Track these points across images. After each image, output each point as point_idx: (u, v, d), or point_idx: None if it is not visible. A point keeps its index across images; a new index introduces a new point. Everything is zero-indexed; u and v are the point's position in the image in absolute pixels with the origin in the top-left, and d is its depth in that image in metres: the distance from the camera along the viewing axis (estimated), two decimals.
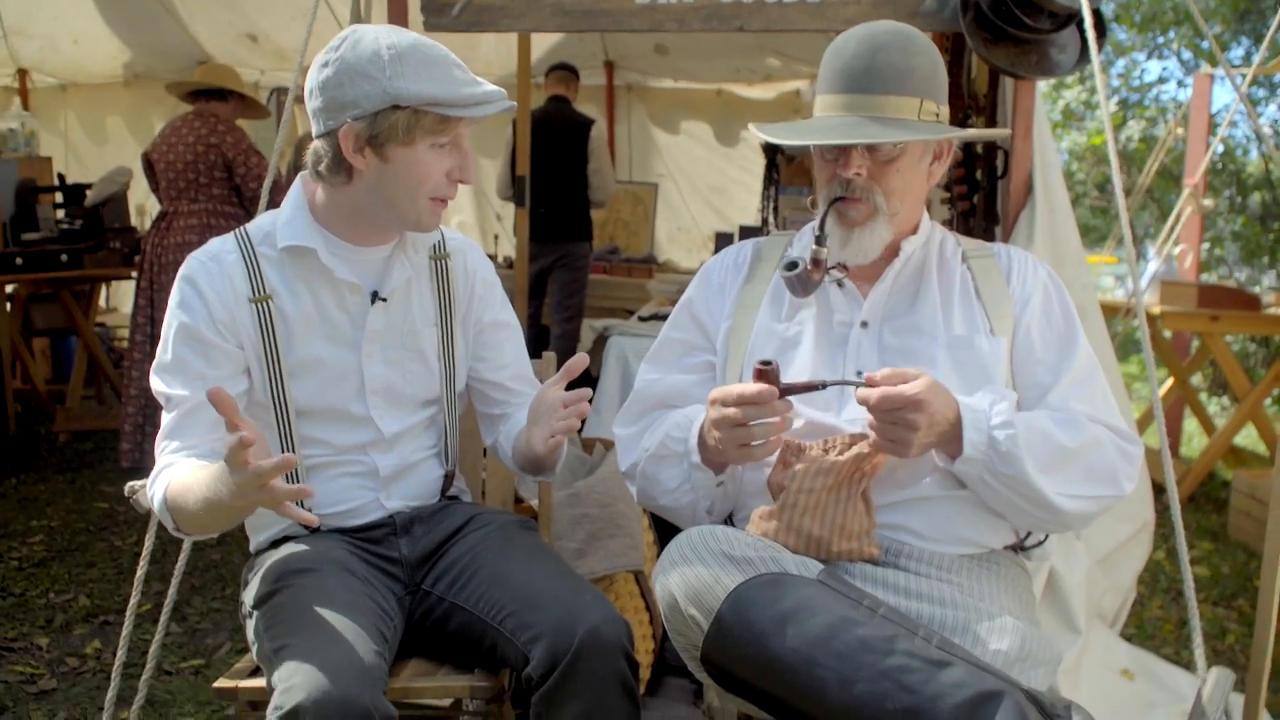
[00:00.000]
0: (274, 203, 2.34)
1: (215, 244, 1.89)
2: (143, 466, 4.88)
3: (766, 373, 1.67)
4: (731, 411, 1.68)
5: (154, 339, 4.92)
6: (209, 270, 1.83)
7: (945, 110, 1.86)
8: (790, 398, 1.70)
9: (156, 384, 1.82)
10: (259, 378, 1.85)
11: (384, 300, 1.89)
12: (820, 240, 1.81)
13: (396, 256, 1.91)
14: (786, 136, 1.92)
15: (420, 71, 1.72)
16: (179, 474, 1.72)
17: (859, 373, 1.82)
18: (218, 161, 4.82)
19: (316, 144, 1.81)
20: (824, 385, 1.73)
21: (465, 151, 1.82)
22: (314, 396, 1.87)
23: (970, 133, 1.89)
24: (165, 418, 1.82)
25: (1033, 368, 1.86)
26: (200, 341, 1.80)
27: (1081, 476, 1.75)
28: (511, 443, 2.03)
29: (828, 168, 1.87)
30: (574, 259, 5.91)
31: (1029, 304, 1.88)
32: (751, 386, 1.68)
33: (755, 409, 1.67)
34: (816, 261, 1.80)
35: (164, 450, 1.79)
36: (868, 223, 1.83)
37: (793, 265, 1.80)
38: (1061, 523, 1.80)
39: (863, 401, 1.67)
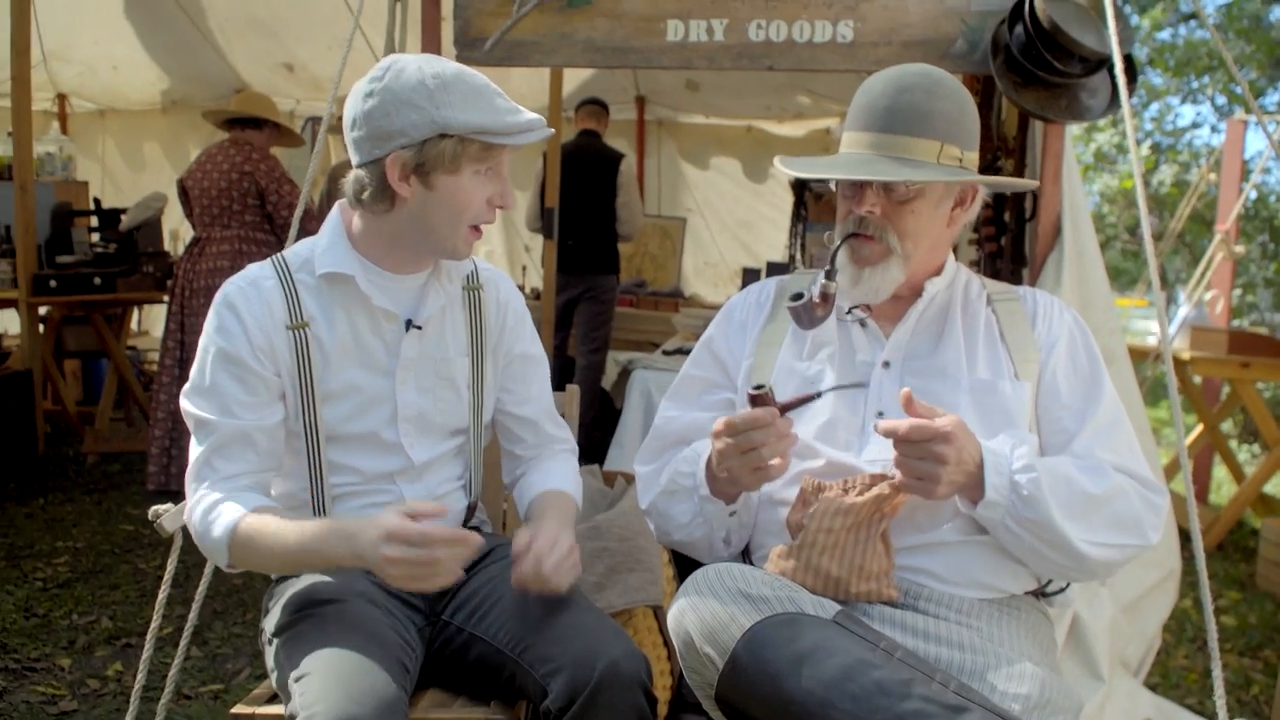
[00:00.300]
0: (305, 230, 2.38)
1: (253, 270, 1.89)
2: (169, 489, 4.93)
3: (761, 397, 1.68)
4: (738, 439, 1.68)
5: (183, 363, 4.98)
6: (248, 296, 1.83)
7: (971, 156, 1.85)
8: (791, 414, 1.71)
9: (189, 407, 1.82)
10: (292, 403, 1.85)
11: (419, 328, 1.90)
12: (830, 275, 1.82)
13: (431, 285, 1.93)
14: (803, 169, 1.94)
15: (465, 100, 1.73)
16: (256, 518, 1.73)
17: (880, 413, 1.82)
18: (251, 189, 4.90)
19: (359, 173, 1.81)
20: (819, 395, 1.74)
21: (504, 178, 1.84)
22: (346, 422, 1.87)
23: (985, 179, 1.87)
24: (198, 443, 1.82)
25: (1058, 413, 1.84)
26: (239, 367, 1.80)
27: (1106, 524, 1.73)
28: (525, 508, 2.04)
29: (845, 204, 1.88)
30: (601, 291, 5.94)
31: (1055, 349, 1.88)
32: (753, 412, 1.68)
33: (760, 433, 1.67)
34: (825, 296, 1.81)
35: (207, 480, 1.79)
36: (880, 262, 1.84)
37: (798, 296, 1.81)
38: (1086, 570, 1.77)
39: (889, 433, 1.66)
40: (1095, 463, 1.78)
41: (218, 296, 1.85)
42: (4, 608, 3.66)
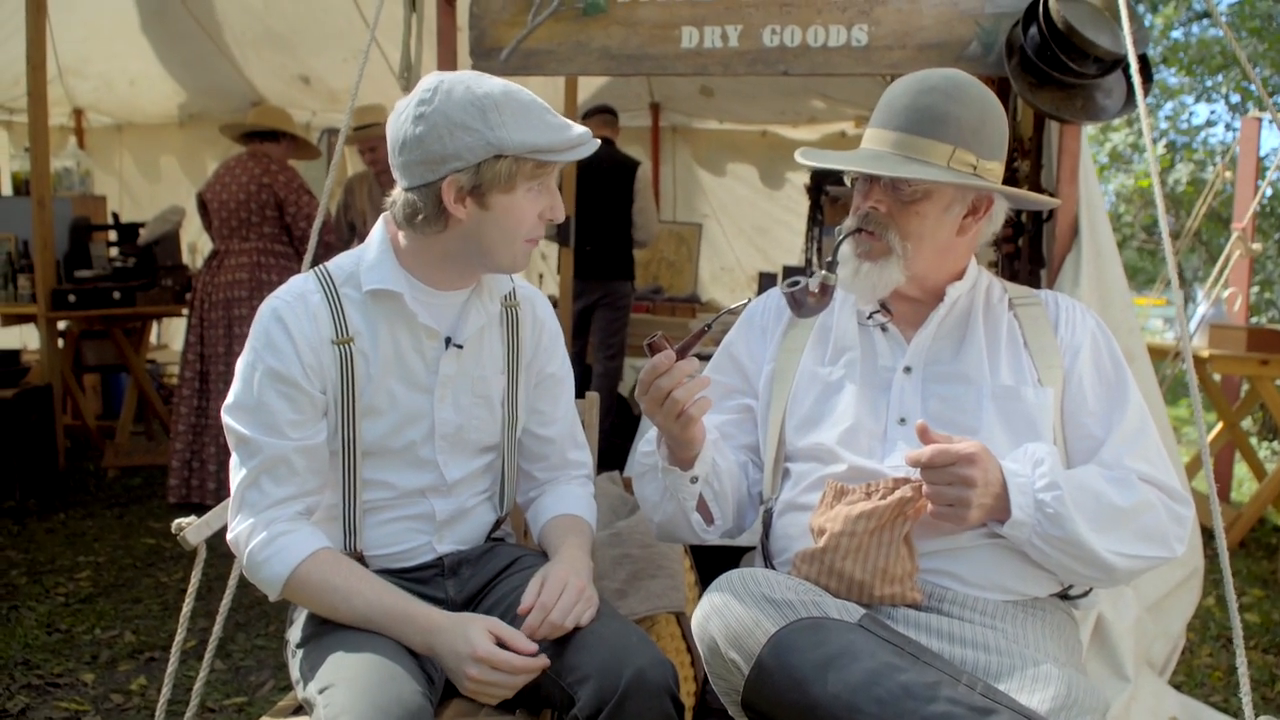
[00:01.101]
0: (323, 242, 2.39)
1: (298, 284, 1.87)
2: (190, 501, 4.94)
3: (656, 344, 1.70)
4: (650, 393, 1.70)
5: (203, 376, 5.00)
6: (296, 311, 1.82)
7: (991, 166, 1.84)
8: (694, 359, 1.73)
9: (233, 423, 1.81)
10: (332, 419, 1.85)
11: (459, 346, 1.90)
12: (831, 266, 1.83)
13: (473, 303, 1.92)
14: (818, 159, 1.95)
15: (518, 120, 1.72)
16: (318, 566, 1.76)
17: (901, 420, 1.83)
18: (270, 201, 4.93)
19: (410, 196, 1.79)
20: (709, 327, 1.77)
21: (554, 191, 1.84)
22: (384, 438, 1.87)
23: (995, 188, 1.85)
24: (243, 464, 1.81)
25: (1084, 420, 1.84)
26: (289, 385, 1.79)
27: (1133, 537, 1.73)
28: (539, 531, 2.04)
29: (857, 198, 1.90)
30: (617, 298, 5.95)
31: (1079, 354, 1.87)
32: (651, 360, 1.70)
33: (665, 378, 1.69)
34: (824, 287, 1.82)
35: (256, 505, 1.79)
36: (879, 260, 1.84)
37: (795, 283, 1.81)
38: (1112, 579, 1.78)
39: (914, 463, 1.66)
40: (1123, 474, 1.77)
41: (264, 311, 1.84)
42: (26, 624, 3.69)
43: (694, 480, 1.84)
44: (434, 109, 1.72)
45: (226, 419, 1.82)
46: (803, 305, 1.84)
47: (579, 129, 1.80)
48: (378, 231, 1.90)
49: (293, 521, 1.79)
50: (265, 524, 1.78)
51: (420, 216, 1.78)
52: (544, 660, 1.69)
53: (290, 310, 1.82)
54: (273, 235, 5.02)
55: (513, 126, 1.71)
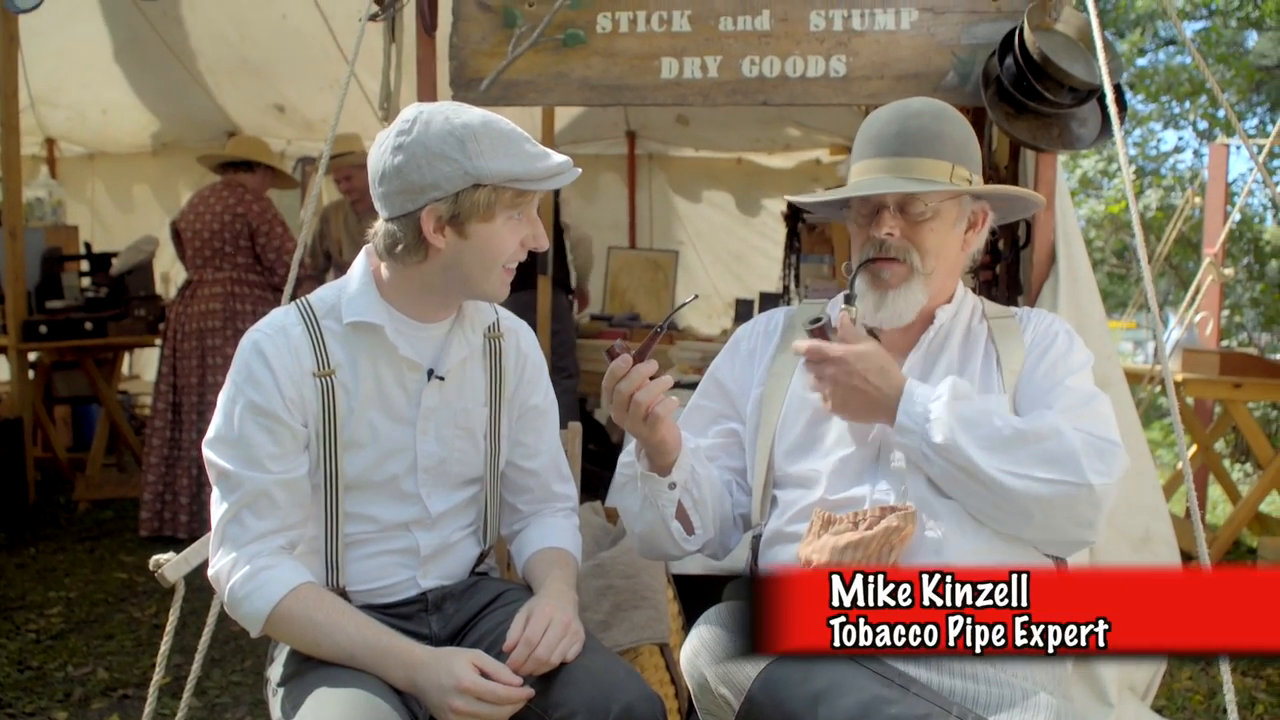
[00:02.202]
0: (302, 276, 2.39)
1: (279, 316, 1.86)
2: (162, 534, 4.89)
3: (613, 351, 1.71)
4: (614, 399, 1.72)
5: (176, 407, 4.96)
6: (277, 344, 1.80)
7: (979, 181, 1.90)
8: (654, 361, 1.74)
9: (214, 458, 1.79)
10: (314, 452, 1.83)
11: (440, 379, 1.89)
12: (850, 299, 1.83)
13: (455, 335, 1.91)
14: (817, 199, 1.99)
15: (496, 149, 1.73)
16: (300, 601, 1.74)
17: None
18: (243, 231, 4.91)
19: (390, 227, 1.79)
20: (662, 329, 1.78)
21: (535, 219, 1.84)
22: (366, 471, 1.85)
23: (998, 187, 1.90)
24: (223, 498, 1.79)
25: (1023, 406, 1.85)
26: (270, 419, 1.77)
27: (1033, 459, 1.70)
28: (523, 565, 2.03)
29: (861, 232, 1.91)
30: (557, 311, 5.73)
31: (1033, 351, 1.90)
32: (610, 367, 1.71)
33: (625, 382, 1.70)
34: (836, 316, 1.83)
35: (238, 540, 1.77)
36: (902, 285, 1.85)
37: (816, 320, 1.82)
38: (1013, 504, 1.72)
39: (796, 352, 1.79)
40: (1038, 413, 1.79)
41: (245, 344, 1.82)
42: None
43: (672, 486, 1.84)
44: (413, 139, 1.72)
45: (207, 453, 1.80)
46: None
47: (558, 158, 1.80)
48: (359, 264, 1.89)
49: (274, 556, 1.77)
50: (247, 559, 1.75)
51: (400, 247, 1.78)
52: (528, 690, 1.67)
53: (271, 343, 1.80)
54: (246, 265, 5.00)
55: (491, 156, 1.72)
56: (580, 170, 1.86)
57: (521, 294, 5.63)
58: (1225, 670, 2.21)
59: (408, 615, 1.91)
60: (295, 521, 1.82)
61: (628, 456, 1.90)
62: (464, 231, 1.76)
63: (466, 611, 1.93)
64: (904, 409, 1.74)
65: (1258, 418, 7.56)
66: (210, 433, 1.81)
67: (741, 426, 2.03)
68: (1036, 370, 1.88)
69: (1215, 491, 6.60)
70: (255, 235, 4.96)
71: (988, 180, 3.31)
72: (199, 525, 4.87)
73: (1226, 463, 7.54)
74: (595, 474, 4.46)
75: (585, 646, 1.78)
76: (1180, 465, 2.36)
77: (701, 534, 1.92)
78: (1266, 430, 7.93)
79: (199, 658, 2.30)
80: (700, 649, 1.62)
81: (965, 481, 1.72)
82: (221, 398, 1.82)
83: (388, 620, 1.86)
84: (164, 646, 2.18)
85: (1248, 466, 7.78)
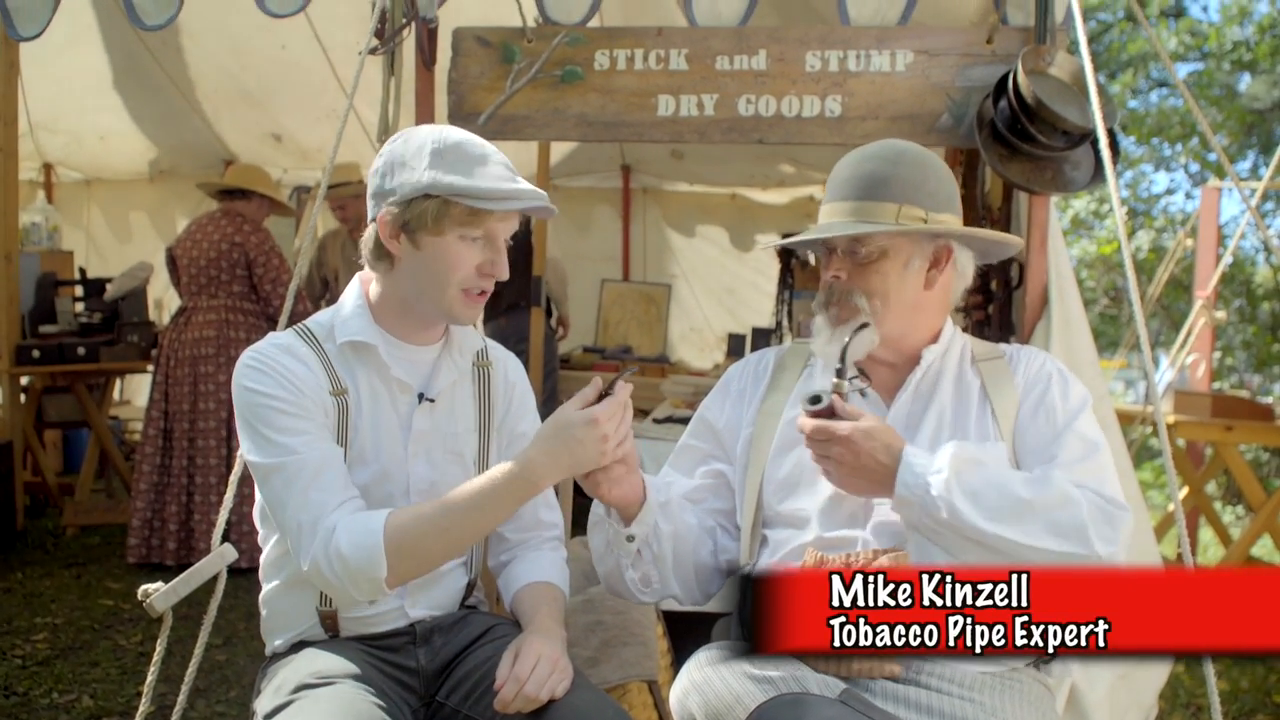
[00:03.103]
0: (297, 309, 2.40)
1: (280, 339, 1.87)
2: (149, 561, 4.86)
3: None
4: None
5: (167, 433, 4.94)
6: (286, 359, 1.82)
7: (943, 218, 1.89)
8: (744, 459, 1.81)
9: (259, 460, 1.77)
10: None
11: (431, 401, 1.91)
12: (840, 374, 1.84)
13: (444, 359, 1.94)
14: (777, 241, 2.01)
15: (457, 165, 1.77)
16: (400, 512, 1.75)
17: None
18: (240, 260, 4.93)
19: (368, 230, 1.86)
20: (610, 390, 1.75)
21: (499, 247, 1.84)
22: (364, 493, 1.85)
23: (953, 230, 1.89)
24: (286, 492, 1.76)
25: (1026, 458, 1.86)
26: (294, 405, 1.78)
27: (1042, 529, 1.70)
28: (510, 599, 2.02)
29: (823, 275, 1.95)
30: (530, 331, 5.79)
31: (1028, 397, 1.90)
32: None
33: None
34: (839, 394, 1.82)
35: (317, 516, 1.73)
36: (849, 322, 1.87)
37: (816, 399, 1.81)
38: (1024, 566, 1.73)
39: (800, 429, 1.78)
40: (1042, 475, 1.77)
41: (246, 359, 1.83)
42: None
43: (630, 539, 1.85)
44: (393, 149, 1.82)
45: (252, 463, 1.80)
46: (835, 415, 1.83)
47: (524, 187, 1.80)
48: (353, 288, 1.94)
49: (362, 510, 1.77)
50: (335, 520, 1.73)
51: (370, 250, 1.86)
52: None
53: (276, 355, 1.82)
54: (241, 294, 5.01)
55: (447, 169, 1.76)
56: (549, 209, 1.85)
57: (512, 316, 5.65)
58: (1209, 674, 2.21)
59: (395, 647, 1.90)
60: (357, 494, 1.81)
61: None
62: (416, 241, 1.80)
63: (455, 645, 1.92)
64: (902, 480, 1.72)
65: (1249, 460, 7.56)
66: (245, 450, 1.81)
67: (729, 468, 2.03)
68: (1036, 418, 1.87)
69: (1207, 534, 6.60)
70: (252, 265, 4.97)
71: (978, 221, 3.35)
72: (186, 553, 4.85)
73: (1218, 505, 7.55)
74: (585, 507, 4.45)
75: (573, 683, 1.77)
76: (1172, 507, 2.37)
77: (659, 588, 1.92)
78: (1258, 473, 7.95)
79: (185, 687, 2.29)
80: (691, 689, 1.61)
81: (972, 546, 1.71)
82: (238, 421, 1.82)
83: (374, 652, 1.86)
84: (150, 676, 2.16)
85: (1239, 509, 7.79)
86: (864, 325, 1.86)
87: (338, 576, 1.72)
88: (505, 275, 1.86)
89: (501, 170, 1.80)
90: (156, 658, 2.17)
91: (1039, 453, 1.84)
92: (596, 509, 1.92)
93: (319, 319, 1.93)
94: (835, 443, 1.75)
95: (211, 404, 4.94)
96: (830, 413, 1.79)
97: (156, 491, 4.97)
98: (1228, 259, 6.75)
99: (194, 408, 4.94)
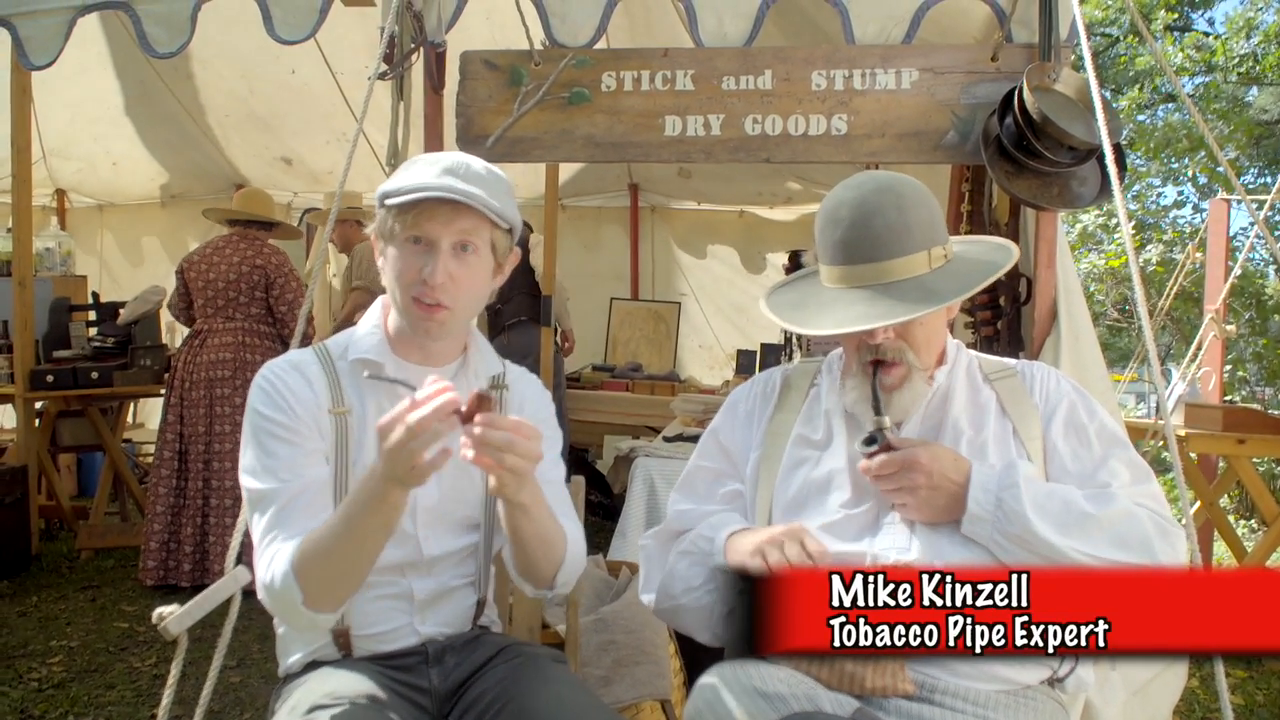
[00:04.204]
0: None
1: (295, 355, 1.93)
2: (167, 583, 4.88)
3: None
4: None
5: (182, 455, 4.96)
6: (292, 377, 1.87)
7: (949, 247, 1.88)
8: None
9: (249, 483, 1.82)
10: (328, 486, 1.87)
11: None
12: (879, 410, 1.82)
13: (459, 380, 1.94)
14: (804, 323, 1.90)
15: (402, 171, 1.83)
16: (301, 543, 1.73)
17: (893, 505, 1.82)
18: (260, 282, 4.97)
19: None
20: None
21: (440, 253, 1.81)
22: None
23: (985, 281, 1.87)
24: (261, 515, 1.79)
25: (1066, 481, 1.84)
26: (288, 430, 1.81)
27: (1107, 542, 1.72)
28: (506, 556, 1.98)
29: (853, 338, 1.88)
30: (536, 348, 5.67)
31: (1054, 418, 1.89)
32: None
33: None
34: (882, 430, 1.81)
35: (269, 542, 1.77)
36: (904, 384, 1.86)
37: (871, 440, 1.80)
38: None
39: (865, 472, 1.76)
40: (1102, 491, 1.78)
41: (259, 377, 1.87)
42: None
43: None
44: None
45: (242, 481, 1.84)
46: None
47: (436, 181, 1.78)
48: (373, 311, 1.97)
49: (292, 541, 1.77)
50: (271, 551, 1.76)
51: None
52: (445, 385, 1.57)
53: (284, 372, 1.87)
54: (259, 316, 5.04)
55: (397, 177, 1.82)
56: (455, 194, 1.77)
57: (514, 331, 5.71)
58: (1223, 689, 2.20)
59: (408, 667, 1.90)
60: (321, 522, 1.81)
61: (710, 532, 1.90)
62: (384, 252, 1.87)
63: (468, 666, 1.92)
64: (974, 498, 1.73)
65: (1262, 473, 7.53)
66: (243, 464, 1.84)
67: (743, 487, 2.03)
68: (1069, 439, 1.87)
69: (1220, 548, 6.57)
70: (270, 287, 5.01)
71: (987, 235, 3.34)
72: (201, 574, 4.87)
73: (1231, 519, 7.50)
74: (596, 524, 4.46)
75: (584, 704, 1.78)
76: (1184, 521, 2.35)
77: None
78: (1271, 486, 7.89)
79: (200, 710, 2.29)
80: (704, 709, 1.61)
81: (1039, 561, 1.72)
82: (245, 433, 1.86)
83: (388, 671, 1.86)
84: (165, 699, 2.17)
85: (1253, 522, 7.74)
86: (877, 363, 1.86)
87: (269, 603, 1.77)
88: (436, 279, 1.80)
89: (431, 170, 1.80)
90: (171, 680, 2.17)
91: (1084, 478, 1.84)
92: (700, 544, 1.91)
93: (338, 338, 1.97)
94: (914, 470, 1.74)
95: (227, 426, 4.95)
96: (888, 448, 1.79)
97: (172, 514, 4.98)
98: (1237, 271, 6.74)
99: (209, 430, 4.96)
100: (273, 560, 1.75)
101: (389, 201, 1.81)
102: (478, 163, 1.87)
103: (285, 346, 4.91)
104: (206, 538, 4.95)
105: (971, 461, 1.78)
